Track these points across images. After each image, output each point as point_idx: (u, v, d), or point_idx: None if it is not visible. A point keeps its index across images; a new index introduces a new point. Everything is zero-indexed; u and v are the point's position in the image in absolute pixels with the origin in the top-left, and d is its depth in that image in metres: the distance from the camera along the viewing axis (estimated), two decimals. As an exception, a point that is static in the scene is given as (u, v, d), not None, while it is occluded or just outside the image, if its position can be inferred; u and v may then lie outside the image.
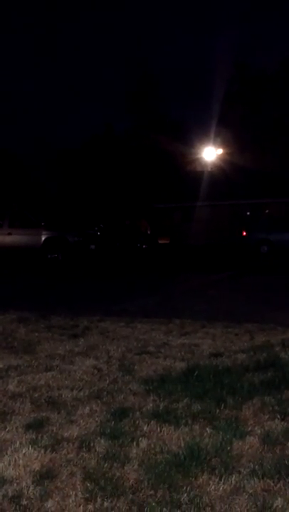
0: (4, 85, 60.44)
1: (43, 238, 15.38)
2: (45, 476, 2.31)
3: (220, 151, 33.62)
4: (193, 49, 70.70)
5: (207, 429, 2.79)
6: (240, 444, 2.61)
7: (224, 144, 33.73)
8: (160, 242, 29.91)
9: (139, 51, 71.06)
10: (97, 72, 67.72)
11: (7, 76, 64.04)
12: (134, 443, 2.63)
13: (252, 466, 2.39)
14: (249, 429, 2.79)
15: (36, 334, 5.26)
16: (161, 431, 2.78)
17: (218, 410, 3.06)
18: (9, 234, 15.66)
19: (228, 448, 2.56)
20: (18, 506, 2.10)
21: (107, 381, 3.68)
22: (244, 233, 19.58)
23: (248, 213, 27.27)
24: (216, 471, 2.34)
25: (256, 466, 2.38)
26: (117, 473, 2.33)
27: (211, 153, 33.06)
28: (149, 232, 31.62)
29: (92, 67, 67.72)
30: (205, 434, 2.71)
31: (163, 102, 40.91)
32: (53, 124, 68.45)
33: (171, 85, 46.90)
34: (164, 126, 38.96)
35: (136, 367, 4.03)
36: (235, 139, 34.11)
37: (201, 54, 73.48)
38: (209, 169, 32.00)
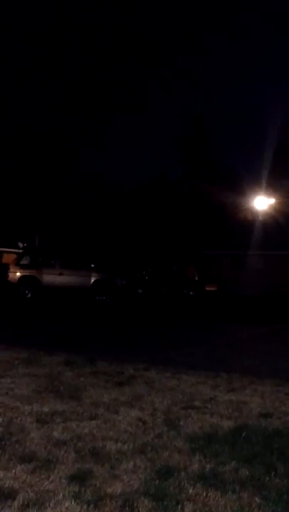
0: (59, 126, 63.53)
1: (92, 280, 15.66)
2: (86, 535, 2.25)
3: (272, 200, 33.44)
4: (247, 98, 72.16)
5: (256, 498, 2.64)
6: (291, 518, 2.45)
7: (277, 193, 33.57)
8: (207, 288, 29.64)
9: (193, 100, 73.24)
10: (151, 120, 70.23)
11: (61, 117, 67.13)
12: (179, 507, 2.53)
13: None
14: (302, 502, 2.62)
15: (82, 379, 5.26)
16: (207, 496, 2.66)
17: (267, 478, 2.90)
18: (60, 274, 16.04)
19: (279, 522, 2.41)
20: None
21: (152, 435, 3.60)
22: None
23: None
24: None
25: None
26: (161, 539, 2.24)
27: (262, 202, 32.93)
28: (196, 278, 31.48)
29: (147, 115, 70.19)
30: (254, 505, 2.57)
31: (215, 150, 41.53)
32: (108, 169, 70.84)
33: (224, 134, 47.59)
34: (216, 175, 39.40)
35: (181, 422, 3.93)
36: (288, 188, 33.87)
37: (255, 103, 74.81)
38: (260, 218, 31.79)
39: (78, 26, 65.32)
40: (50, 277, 16.09)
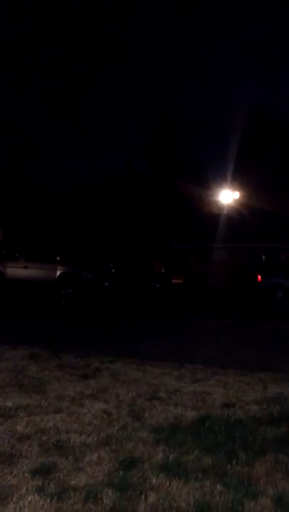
0: (30, 124, 62.63)
1: (57, 273, 15.48)
2: (50, 528, 2.25)
3: (237, 194, 33.92)
4: (212, 93, 72.67)
5: (218, 485, 2.70)
6: (251, 504, 2.52)
7: (242, 186, 34.07)
8: (174, 281, 29.86)
9: (159, 94, 73.36)
10: (118, 114, 69.91)
11: (34, 115, 66.23)
12: (143, 496, 2.56)
13: (264, 529, 2.30)
14: (261, 488, 2.69)
15: (47, 373, 5.23)
16: (170, 485, 2.70)
17: (229, 466, 2.97)
18: (25, 267, 15.80)
19: (239, 508, 2.47)
20: None
21: (117, 427, 3.61)
22: (259, 277, 19.46)
23: (264, 257, 27.18)
24: (226, 533, 2.26)
25: (268, 530, 2.29)
26: (124, 529, 2.26)
27: (227, 196, 33.36)
28: (163, 271, 31.63)
29: (114, 110, 69.76)
30: (215, 492, 2.63)
31: (182, 145, 41.68)
32: (75, 161, 70.04)
33: (190, 128, 47.82)
34: (182, 169, 39.59)
35: (146, 413, 3.96)
36: (252, 182, 34.44)
37: (221, 98, 75.44)
38: (226, 212, 32.21)
39: (47, 22, 64.15)
40: (15, 270, 15.82)
